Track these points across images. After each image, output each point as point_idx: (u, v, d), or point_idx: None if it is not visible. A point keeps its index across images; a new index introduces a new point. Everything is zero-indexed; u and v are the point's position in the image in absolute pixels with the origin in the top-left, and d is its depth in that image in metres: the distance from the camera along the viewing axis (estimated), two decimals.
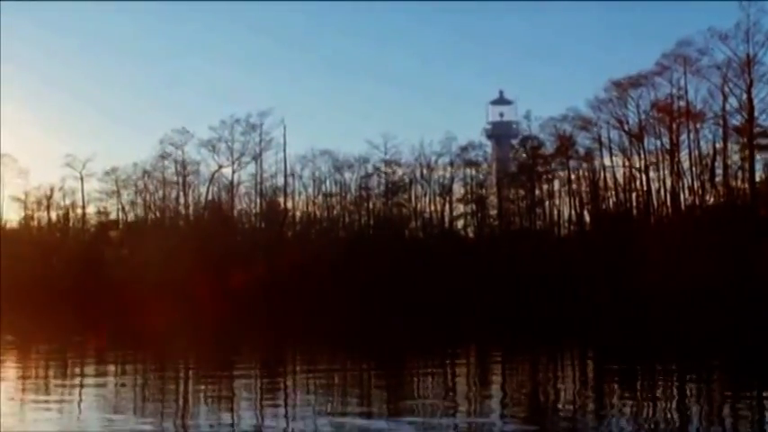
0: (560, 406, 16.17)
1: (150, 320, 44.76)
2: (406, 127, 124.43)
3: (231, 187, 73.79)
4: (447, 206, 71.96)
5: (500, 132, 75.80)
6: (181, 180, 74.42)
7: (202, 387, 19.51)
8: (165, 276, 59.17)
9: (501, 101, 78.02)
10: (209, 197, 74.70)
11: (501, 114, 77.74)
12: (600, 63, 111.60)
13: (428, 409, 15.07)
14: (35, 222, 78.17)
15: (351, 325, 45.01)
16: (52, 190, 76.48)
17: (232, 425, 13.89)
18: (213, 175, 73.69)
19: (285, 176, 72.77)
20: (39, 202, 77.29)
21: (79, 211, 76.86)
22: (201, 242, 65.15)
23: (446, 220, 72.19)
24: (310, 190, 74.12)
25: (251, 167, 73.53)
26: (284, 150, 72.27)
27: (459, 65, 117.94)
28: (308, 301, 57.80)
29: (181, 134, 73.16)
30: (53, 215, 78.05)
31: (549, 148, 66.28)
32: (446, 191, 71.73)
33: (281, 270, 62.68)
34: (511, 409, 15.48)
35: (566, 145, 64.56)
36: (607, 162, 64.28)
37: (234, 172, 73.26)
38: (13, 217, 77.85)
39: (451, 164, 71.18)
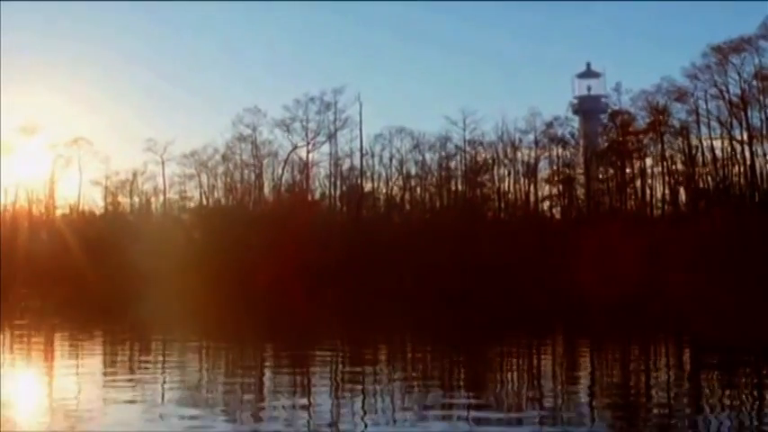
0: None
1: (221, 306, 43.69)
2: (486, 102, 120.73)
3: (306, 168, 72.40)
4: (532, 187, 68.91)
5: (588, 107, 72.02)
6: (257, 162, 73.50)
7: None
8: (239, 260, 58.29)
9: (588, 73, 74.12)
10: (286, 178, 73.61)
11: (588, 88, 73.94)
12: (697, 29, 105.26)
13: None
14: (120, 207, 78.52)
15: (435, 310, 42.94)
16: (134, 174, 76.50)
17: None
18: (288, 156, 72.45)
19: (361, 156, 71.12)
20: (120, 187, 77.53)
21: (161, 196, 77.04)
22: (280, 225, 63.96)
23: (531, 201, 69.15)
24: (389, 170, 72.17)
25: (325, 147, 72.08)
26: (360, 129, 70.57)
27: (542, 35, 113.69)
28: (388, 285, 55.95)
29: (253, 114, 72.27)
30: (135, 200, 78.40)
31: (641, 122, 62.68)
32: (531, 171, 68.65)
33: (362, 254, 61.06)
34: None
35: (659, 119, 60.68)
36: (705, 136, 60.31)
37: (308, 152, 71.93)
38: (93, 202, 78.58)
39: (536, 143, 68.08)
